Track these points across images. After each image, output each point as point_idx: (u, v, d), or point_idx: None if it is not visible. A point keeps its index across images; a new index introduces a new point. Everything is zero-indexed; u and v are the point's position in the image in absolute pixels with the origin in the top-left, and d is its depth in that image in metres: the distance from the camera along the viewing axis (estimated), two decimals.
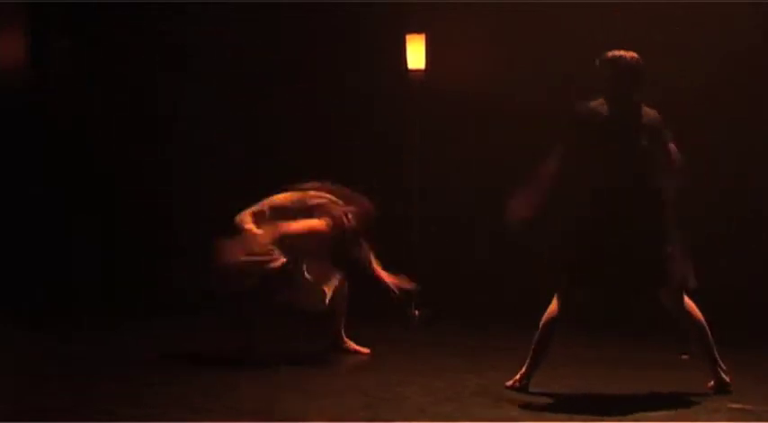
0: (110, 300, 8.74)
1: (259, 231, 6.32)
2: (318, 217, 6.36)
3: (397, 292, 6.58)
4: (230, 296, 6.44)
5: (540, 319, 5.52)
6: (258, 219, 6.41)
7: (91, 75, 9.38)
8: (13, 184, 8.88)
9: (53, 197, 9.15)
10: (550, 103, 8.35)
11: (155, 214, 9.12)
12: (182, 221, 8.97)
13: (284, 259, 6.26)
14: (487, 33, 8.66)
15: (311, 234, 6.32)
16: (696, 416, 5.10)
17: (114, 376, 6.13)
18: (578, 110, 5.47)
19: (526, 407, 5.24)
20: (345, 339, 6.67)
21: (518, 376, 5.49)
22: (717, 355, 5.48)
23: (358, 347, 6.66)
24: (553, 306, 5.46)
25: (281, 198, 6.50)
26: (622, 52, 5.46)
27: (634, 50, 5.60)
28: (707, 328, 5.46)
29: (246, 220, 6.42)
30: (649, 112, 5.45)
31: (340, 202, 6.46)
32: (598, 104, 5.44)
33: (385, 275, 6.56)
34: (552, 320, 5.46)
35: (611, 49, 5.50)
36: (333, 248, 6.45)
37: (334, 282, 6.46)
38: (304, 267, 6.40)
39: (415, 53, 8.28)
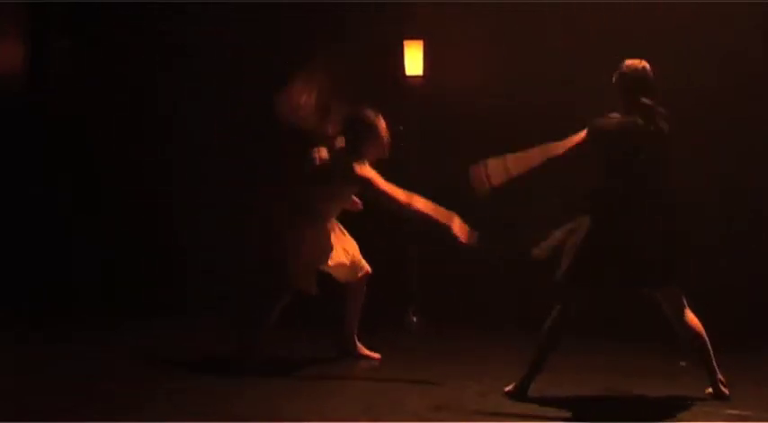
0: (109, 300, 8.73)
1: None
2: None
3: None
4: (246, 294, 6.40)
5: (540, 326, 5.52)
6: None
7: (91, 75, 9.36)
8: (13, 185, 8.87)
9: (53, 197, 9.14)
10: (549, 109, 8.39)
11: (155, 214, 9.11)
12: (182, 221, 8.97)
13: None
14: (486, 39, 8.65)
15: None
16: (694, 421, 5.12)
17: (114, 377, 6.15)
18: (602, 125, 5.45)
19: (524, 413, 5.26)
20: (357, 344, 6.58)
21: (517, 382, 5.49)
22: (716, 367, 5.49)
23: (369, 352, 6.59)
24: (556, 313, 5.47)
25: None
26: (630, 62, 5.47)
27: (635, 51, 5.63)
28: (706, 339, 5.48)
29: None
30: (664, 117, 5.46)
31: None
32: (621, 118, 5.43)
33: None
34: (555, 328, 5.46)
35: (622, 59, 5.50)
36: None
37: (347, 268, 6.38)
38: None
39: (413, 59, 8.30)
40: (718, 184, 8.03)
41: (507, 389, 5.48)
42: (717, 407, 5.35)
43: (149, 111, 9.19)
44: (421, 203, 6.12)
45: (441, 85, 8.47)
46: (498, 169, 5.62)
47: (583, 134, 5.55)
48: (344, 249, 6.41)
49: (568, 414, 5.30)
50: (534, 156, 5.61)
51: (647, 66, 5.54)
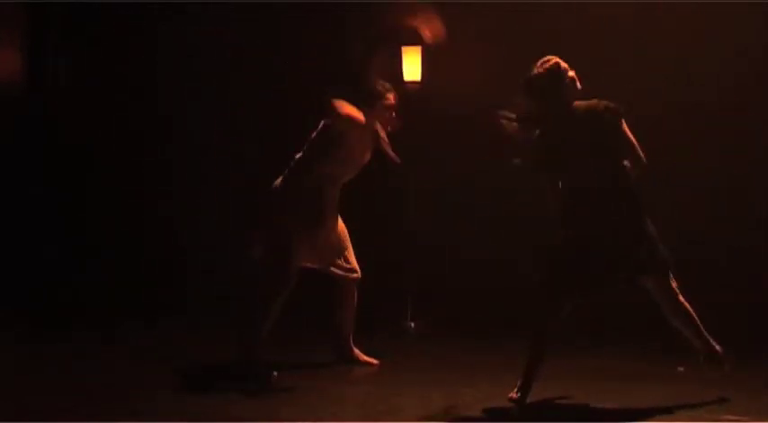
0: (110, 300, 8.73)
1: None
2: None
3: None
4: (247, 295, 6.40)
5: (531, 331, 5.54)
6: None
7: (91, 75, 9.36)
8: (13, 185, 8.89)
9: (53, 197, 9.15)
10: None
11: (155, 214, 9.11)
12: (182, 221, 8.97)
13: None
14: (484, 46, 8.64)
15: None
16: None
17: (114, 378, 6.16)
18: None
19: (523, 418, 5.26)
20: (354, 349, 6.54)
21: (516, 389, 5.51)
22: (704, 332, 5.52)
23: (367, 358, 6.54)
24: (542, 317, 5.48)
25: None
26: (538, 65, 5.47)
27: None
28: (692, 312, 5.51)
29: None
30: (595, 106, 5.43)
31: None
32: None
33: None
34: (543, 332, 5.49)
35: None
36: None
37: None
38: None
39: (411, 65, 8.31)
40: (718, 184, 8.02)
41: (511, 394, 5.44)
42: (715, 412, 5.36)
43: (149, 111, 9.19)
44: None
45: (438, 91, 8.47)
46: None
47: None
48: (342, 249, 6.43)
49: (565, 419, 5.31)
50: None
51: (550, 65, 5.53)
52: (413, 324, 8.05)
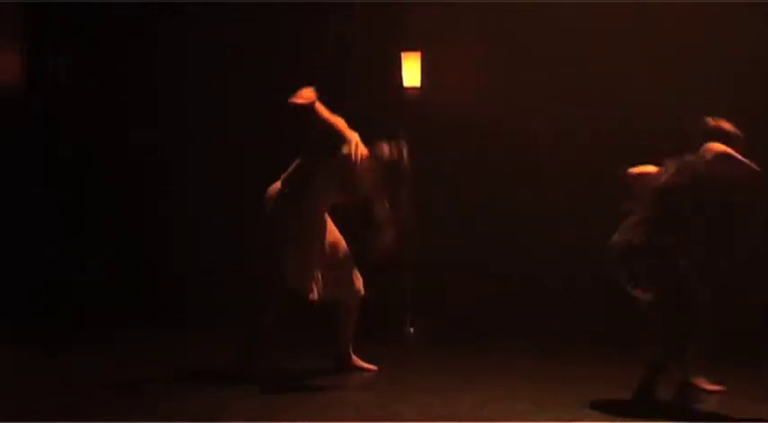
0: (110, 300, 8.72)
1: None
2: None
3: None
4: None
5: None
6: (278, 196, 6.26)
7: (91, 75, 9.33)
8: (13, 186, 8.86)
9: (53, 198, 9.12)
10: (546, 120, 8.43)
11: (155, 215, 9.07)
12: (182, 222, 8.95)
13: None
14: (483, 51, 8.67)
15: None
16: None
17: (113, 378, 6.18)
18: None
19: None
20: (353, 356, 6.51)
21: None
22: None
23: (365, 364, 6.52)
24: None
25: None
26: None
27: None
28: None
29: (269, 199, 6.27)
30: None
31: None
32: None
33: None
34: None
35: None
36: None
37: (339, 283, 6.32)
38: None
39: (411, 71, 8.31)
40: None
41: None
42: (713, 418, 5.41)
43: (149, 111, 9.15)
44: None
45: (438, 97, 8.49)
46: None
47: None
48: (337, 268, 6.37)
49: None
50: None
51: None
52: (412, 329, 8.05)
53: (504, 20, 8.57)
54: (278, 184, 6.29)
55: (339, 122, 6.20)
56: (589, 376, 6.43)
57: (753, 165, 5.51)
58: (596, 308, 7.81)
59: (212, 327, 7.79)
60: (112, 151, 9.22)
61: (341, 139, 6.17)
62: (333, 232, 6.41)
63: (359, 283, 6.43)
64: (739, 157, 5.52)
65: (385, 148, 6.19)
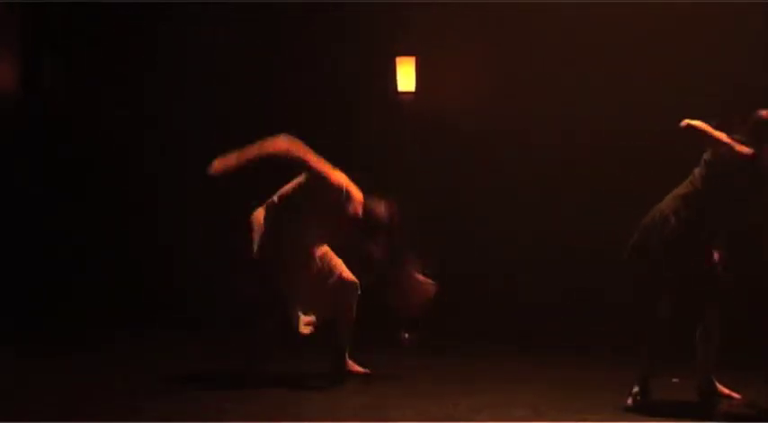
0: (110, 301, 8.74)
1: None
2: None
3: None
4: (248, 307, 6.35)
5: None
6: (269, 211, 6.29)
7: (91, 75, 9.34)
8: (13, 186, 8.89)
9: (53, 198, 9.13)
10: (540, 125, 8.46)
11: (154, 217, 9.08)
12: (181, 222, 8.94)
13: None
14: (478, 56, 8.70)
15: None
16: None
17: (113, 378, 6.22)
18: None
19: None
20: (348, 361, 6.46)
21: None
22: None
23: (360, 368, 6.49)
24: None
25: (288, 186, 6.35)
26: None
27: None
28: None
29: (259, 215, 6.30)
30: None
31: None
32: None
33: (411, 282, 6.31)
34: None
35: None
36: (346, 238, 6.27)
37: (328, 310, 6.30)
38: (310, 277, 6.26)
39: (406, 76, 8.37)
40: None
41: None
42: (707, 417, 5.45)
43: (148, 111, 9.17)
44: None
45: (433, 102, 8.52)
46: None
47: None
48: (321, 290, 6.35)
49: None
50: None
51: None
52: (407, 335, 8.06)
53: (499, 24, 8.60)
54: (274, 199, 6.33)
55: (332, 173, 6.24)
56: (586, 381, 6.44)
57: None
58: (593, 313, 7.86)
59: (212, 328, 7.82)
60: (112, 152, 9.21)
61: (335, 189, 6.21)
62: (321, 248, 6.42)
63: (351, 281, 6.37)
64: None
65: (378, 207, 6.22)
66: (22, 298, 8.48)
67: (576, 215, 8.30)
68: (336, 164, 7.63)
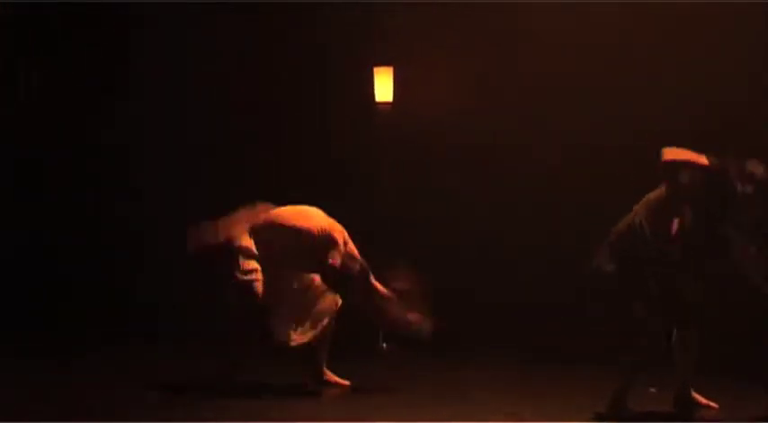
0: (109, 302, 8.66)
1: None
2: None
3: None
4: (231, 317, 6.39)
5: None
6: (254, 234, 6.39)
7: (90, 76, 9.32)
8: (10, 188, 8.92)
9: (42, 198, 9.10)
10: (517, 136, 8.46)
11: (155, 222, 8.92)
12: (180, 223, 8.87)
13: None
14: (455, 66, 8.71)
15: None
16: None
17: (112, 379, 6.30)
18: None
19: None
20: (326, 371, 6.48)
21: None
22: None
23: (338, 379, 6.49)
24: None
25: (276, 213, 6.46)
26: None
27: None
28: None
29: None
30: None
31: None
32: None
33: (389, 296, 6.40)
34: None
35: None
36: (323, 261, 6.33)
37: (314, 322, 6.29)
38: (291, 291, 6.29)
39: (383, 86, 8.36)
40: None
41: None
42: None
43: (147, 111, 9.11)
44: None
45: (411, 111, 8.50)
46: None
47: None
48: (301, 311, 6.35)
49: None
50: None
51: None
52: (385, 345, 7.98)
53: (478, 33, 8.62)
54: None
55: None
56: (566, 389, 6.44)
57: None
58: (577, 320, 7.79)
59: (211, 328, 7.76)
60: (100, 155, 9.20)
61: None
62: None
63: (331, 294, 6.37)
64: None
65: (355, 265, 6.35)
66: (21, 300, 8.50)
67: (559, 222, 8.31)
68: (311, 176, 7.63)
